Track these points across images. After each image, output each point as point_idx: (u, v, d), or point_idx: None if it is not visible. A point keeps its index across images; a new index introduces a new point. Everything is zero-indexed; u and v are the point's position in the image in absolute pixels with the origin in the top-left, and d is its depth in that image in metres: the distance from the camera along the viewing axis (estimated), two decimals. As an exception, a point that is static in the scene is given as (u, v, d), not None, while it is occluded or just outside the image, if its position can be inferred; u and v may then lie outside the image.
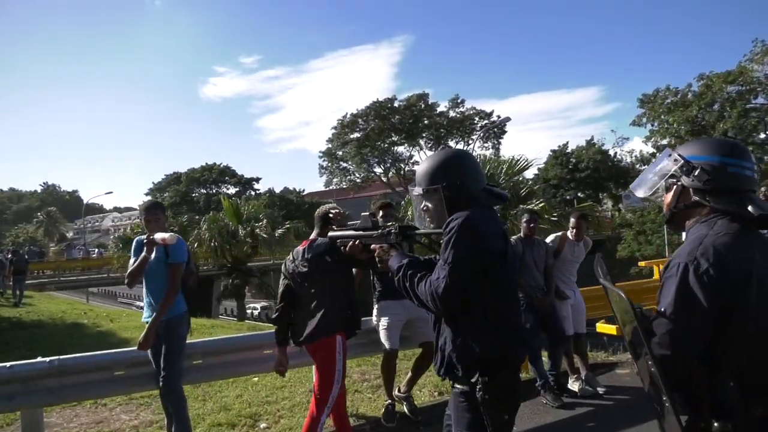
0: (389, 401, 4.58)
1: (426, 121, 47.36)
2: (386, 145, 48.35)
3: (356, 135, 47.50)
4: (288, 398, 5.19)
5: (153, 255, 3.72)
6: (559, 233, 5.46)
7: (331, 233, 2.32)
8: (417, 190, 2.07)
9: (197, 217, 20.31)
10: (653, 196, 2.11)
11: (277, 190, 59.77)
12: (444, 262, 1.86)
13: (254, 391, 5.45)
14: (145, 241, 3.74)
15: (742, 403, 1.52)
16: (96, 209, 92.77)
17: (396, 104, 46.74)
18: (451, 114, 48.02)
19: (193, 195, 58.60)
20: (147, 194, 63.30)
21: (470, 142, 49.02)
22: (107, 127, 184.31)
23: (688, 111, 29.69)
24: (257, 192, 56.62)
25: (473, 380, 1.93)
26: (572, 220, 5.35)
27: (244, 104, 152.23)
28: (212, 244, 16.61)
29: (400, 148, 49.47)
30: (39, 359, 3.92)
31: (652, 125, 32.96)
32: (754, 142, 29.95)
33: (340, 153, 48.69)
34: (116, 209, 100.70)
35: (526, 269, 5.08)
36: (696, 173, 1.65)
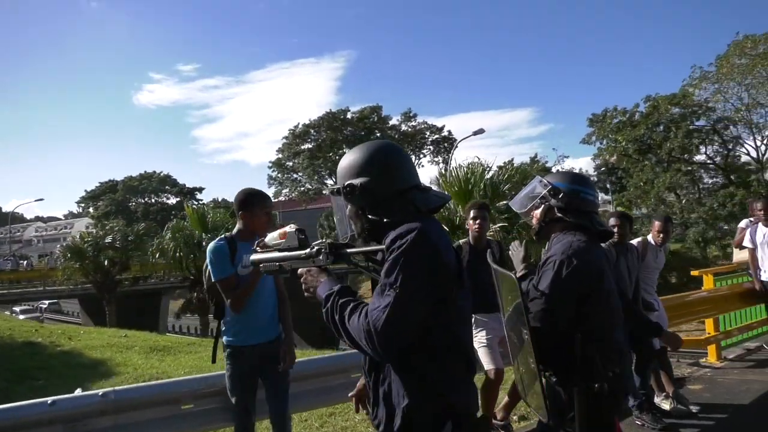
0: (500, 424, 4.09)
1: (378, 134, 47.24)
2: (338, 157, 47.79)
3: (308, 146, 46.77)
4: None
5: None
6: (640, 238, 5.14)
7: (253, 256, 1.84)
8: (330, 188, 1.73)
9: (155, 225, 18.87)
10: (524, 212, 2.46)
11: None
12: (388, 286, 1.42)
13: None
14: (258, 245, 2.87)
15: (602, 365, 2.07)
16: (16, 218, 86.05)
17: (349, 116, 46.43)
18: (403, 127, 48.23)
19: (130, 204, 55.43)
20: (79, 202, 59.56)
21: (421, 156, 49.38)
22: (31, 132, 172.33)
23: (636, 130, 31.01)
24: (200, 202, 54.33)
25: None
26: (657, 223, 5.02)
27: (181, 113, 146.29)
28: (177, 254, 15.37)
29: (352, 161, 49.07)
30: (88, 392, 3.09)
31: (601, 143, 34.27)
32: (695, 162, 31.75)
33: (291, 164, 47.73)
34: (39, 219, 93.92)
35: (621, 279, 4.71)
36: (560, 196, 2.26)
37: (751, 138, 31.01)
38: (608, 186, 37.89)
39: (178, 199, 56.26)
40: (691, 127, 29.87)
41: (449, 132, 48.88)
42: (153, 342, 11.15)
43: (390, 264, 1.44)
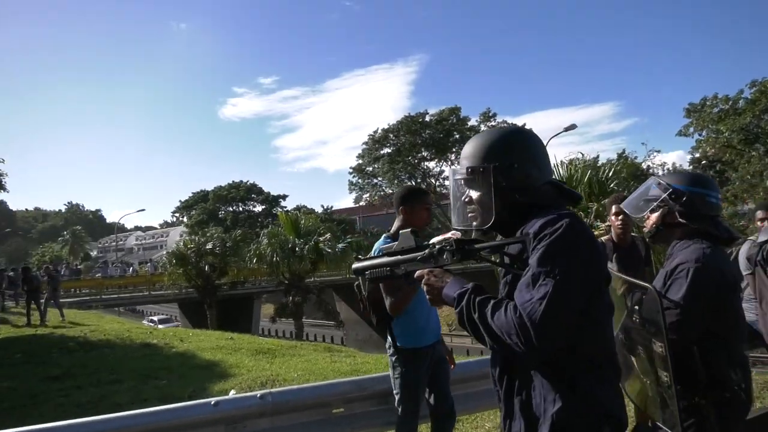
0: None
1: (457, 136, 46.76)
2: (416, 161, 47.83)
3: (387, 150, 47.09)
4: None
5: None
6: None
7: (355, 264, 1.74)
8: (458, 172, 1.58)
9: (255, 230, 19.64)
10: (638, 216, 2.34)
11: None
12: (543, 275, 1.29)
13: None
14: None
15: (729, 373, 1.97)
16: (119, 228, 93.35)
17: (427, 119, 46.29)
18: (482, 128, 47.39)
19: (220, 212, 58.28)
20: (175, 212, 63.42)
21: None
22: (129, 148, 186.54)
23: (741, 118, 28.57)
24: (285, 209, 56.18)
25: None
26: (760, 212, 4.48)
27: (263, 124, 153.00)
28: (274, 259, 15.88)
29: (430, 164, 48.99)
30: (247, 393, 3.15)
31: (700, 134, 31.92)
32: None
33: (371, 169, 48.24)
34: (138, 228, 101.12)
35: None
36: (683, 200, 2.11)
37: None
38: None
39: (264, 206, 58.53)
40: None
41: (530, 130, 47.61)
42: (257, 345, 11.52)
43: (544, 250, 1.31)
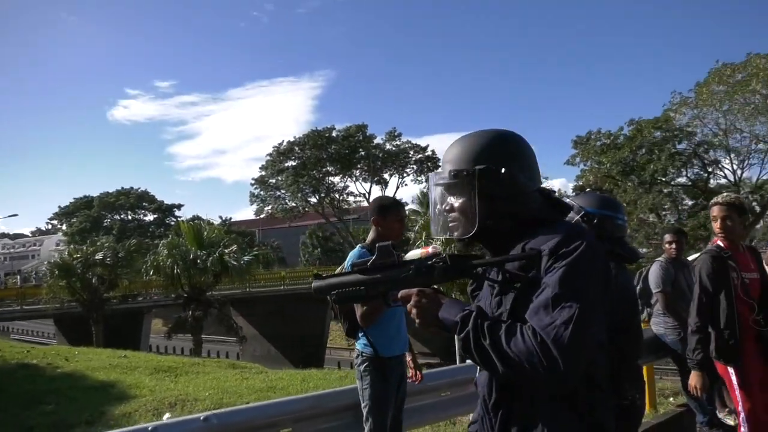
0: None
1: (362, 153, 47.27)
2: (321, 175, 47.64)
3: (292, 163, 46.48)
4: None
5: None
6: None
7: (317, 283, 1.50)
8: (440, 177, 1.44)
9: (146, 240, 18.33)
10: None
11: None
12: (564, 297, 1.17)
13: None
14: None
15: (625, 384, 2.11)
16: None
17: (334, 134, 46.38)
18: (388, 146, 48.31)
19: (106, 221, 54.01)
20: (52, 219, 57.79)
21: (405, 175, 49.55)
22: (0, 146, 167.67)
23: (620, 152, 31.66)
24: (180, 219, 53.34)
25: None
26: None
27: (157, 129, 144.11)
28: (174, 271, 14.91)
29: (335, 179, 49.00)
30: (187, 417, 2.88)
31: (585, 164, 34.84)
32: (678, 184, 32.48)
33: (274, 181, 47.31)
34: (5, 235, 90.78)
35: (681, 295, 4.68)
36: (594, 222, 2.21)
37: (728, 161, 31.94)
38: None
39: (156, 215, 55.12)
40: (673, 150, 30.60)
41: (433, 152, 49.19)
42: (156, 363, 10.71)
43: (566, 270, 1.19)
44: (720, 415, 4.83)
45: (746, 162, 31.61)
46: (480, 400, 1.40)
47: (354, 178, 48.90)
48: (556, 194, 1.48)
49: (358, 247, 3.04)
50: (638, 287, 6.44)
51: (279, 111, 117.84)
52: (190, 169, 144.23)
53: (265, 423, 2.99)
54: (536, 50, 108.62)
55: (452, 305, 1.29)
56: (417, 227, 11.47)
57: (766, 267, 3.90)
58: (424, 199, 60.08)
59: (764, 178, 31.38)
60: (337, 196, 49.33)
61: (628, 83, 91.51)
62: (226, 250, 15.43)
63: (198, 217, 51.45)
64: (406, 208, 57.57)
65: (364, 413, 2.96)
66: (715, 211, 3.27)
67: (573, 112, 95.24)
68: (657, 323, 4.98)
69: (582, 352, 1.16)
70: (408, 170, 49.47)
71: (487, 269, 1.38)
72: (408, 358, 3.23)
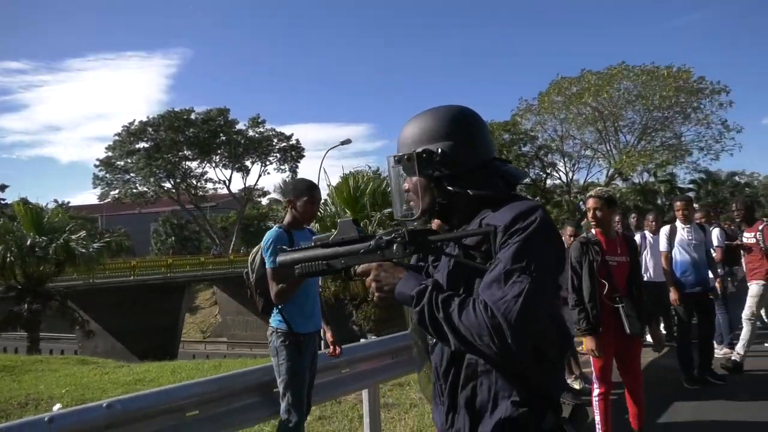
0: None
1: (223, 138, 45.29)
2: (177, 159, 44.77)
3: (144, 144, 43.01)
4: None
5: None
6: None
7: (281, 257, 1.52)
8: (389, 160, 1.47)
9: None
10: None
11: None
12: (517, 272, 1.20)
13: None
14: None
15: None
16: None
17: (193, 116, 43.77)
18: (251, 133, 46.85)
19: None
20: None
21: (267, 163, 48.47)
22: None
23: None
24: (3, 202, 46.55)
25: None
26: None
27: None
28: (7, 259, 13.05)
29: (193, 164, 46.42)
30: (90, 404, 2.65)
31: (443, 161, 37.12)
32: (525, 184, 35.90)
33: (122, 163, 43.42)
34: None
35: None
36: None
37: (563, 164, 36.09)
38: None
39: (-29, 196, 47.49)
40: (518, 152, 33.77)
41: (297, 141, 48.71)
42: (-12, 361, 9.33)
43: (519, 245, 1.22)
44: (568, 381, 5.53)
45: (576, 165, 36.05)
46: (433, 368, 1.43)
47: (214, 164, 46.72)
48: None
49: (275, 227, 3.10)
50: None
51: (127, 88, 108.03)
52: (16, 146, 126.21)
53: (172, 407, 2.85)
54: (399, 46, 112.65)
55: (410, 279, 1.31)
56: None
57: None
58: (284, 188, 59.49)
59: (590, 180, 36.06)
60: (194, 182, 46.75)
61: (485, 87, 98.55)
62: (73, 236, 13.87)
63: (26, 200, 45.58)
64: (268, 197, 56.56)
65: (281, 388, 2.99)
66: (589, 203, 3.79)
67: (409, 112, 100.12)
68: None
69: (532, 326, 1.18)
70: (271, 158, 48.50)
71: (445, 244, 1.38)
72: (328, 333, 3.32)
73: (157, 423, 2.78)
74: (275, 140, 48.26)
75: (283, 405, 2.99)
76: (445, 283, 1.34)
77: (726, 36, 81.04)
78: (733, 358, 6.02)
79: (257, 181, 49.77)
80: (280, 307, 2.99)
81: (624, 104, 32.21)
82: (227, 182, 47.61)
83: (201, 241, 52.95)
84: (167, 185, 44.85)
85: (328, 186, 12.05)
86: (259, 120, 46.87)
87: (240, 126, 46.11)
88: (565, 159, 35.65)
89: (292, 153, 48.86)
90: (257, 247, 3.15)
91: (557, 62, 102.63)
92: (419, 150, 1.37)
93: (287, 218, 3.16)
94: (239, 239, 47.91)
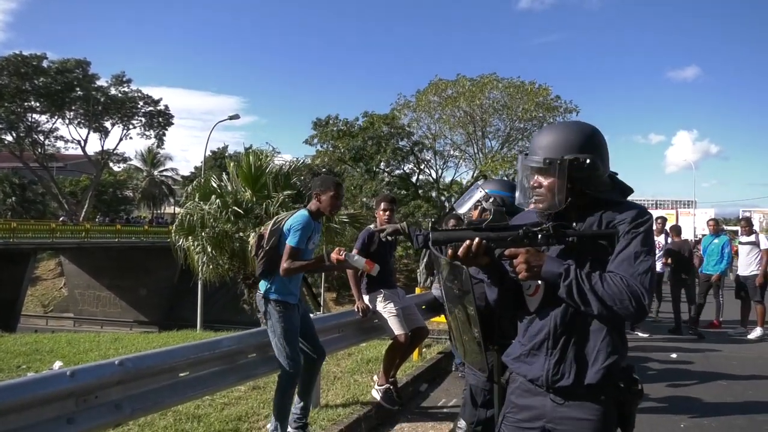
0: (387, 385, 4.79)
1: (80, 92, 40.87)
2: (22, 110, 39.56)
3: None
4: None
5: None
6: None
7: (434, 234, 1.74)
8: (535, 160, 1.73)
9: None
10: (466, 213, 3.13)
11: None
12: (643, 254, 1.66)
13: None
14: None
15: (510, 328, 2.27)
16: None
17: (45, 64, 38.87)
18: (113, 91, 42.85)
19: None
20: None
21: (130, 127, 44.78)
22: None
23: (354, 140, 34.90)
24: None
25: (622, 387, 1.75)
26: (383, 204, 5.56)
27: None
28: None
29: (41, 117, 41.34)
30: (104, 361, 2.83)
31: (321, 146, 37.26)
32: (400, 176, 37.41)
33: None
34: None
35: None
36: (491, 200, 2.90)
37: (434, 161, 38.28)
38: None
39: None
40: (396, 146, 35.16)
41: (166, 106, 45.60)
42: None
43: (643, 236, 1.68)
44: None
45: (445, 164, 38.45)
46: (540, 337, 1.76)
47: (67, 121, 42.07)
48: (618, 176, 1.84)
49: (304, 210, 3.60)
50: (425, 261, 7.76)
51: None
52: None
53: (170, 367, 3.06)
54: (278, 26, 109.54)
55: (552, 262, 1.65)
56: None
57: None
58: (148, 156, 55.14)
59: (457, 179, 38.75)
60: (41, 138, 41.70)
61: (368, 78, 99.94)
62: None
63: None
64: (129, 163, 52.26)
65: (280, 345, 3.47)
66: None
67: (316, 95, 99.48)
68: (437, 287, 6.26)
69: (653, 293, 1.65)
70: (135, 122, 44.87)
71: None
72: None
73: (155, 381, 2.97)
74: (141, 103, 44.71)
75: (281, 359, 3.48)
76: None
77: (578, 57, 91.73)
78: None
79: (117, 144, 45.91)
80: (273, 279, 3.50)
81: (492, 112, 35.04)
82: (82, 142, 43.23)
83: (46, 205, 47.52)
84: (8, 138, 39.56)
85: (227, 161, 11.68)
86: (124, 78, 43.04)
87: (101, 83, 42.01)
88: (437, 157, 37.91)
89: (160, 119, 45.68)
90: (276, 218, 3.64)
91: (436, 65, 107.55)
92: (570, 157, 1.68)
93: (312, 206, 3.63)
94: (92, 207, 43.85)
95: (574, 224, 1.74)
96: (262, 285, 3.57)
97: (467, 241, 1.65)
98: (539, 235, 1.67)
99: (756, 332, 8.57)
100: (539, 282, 1.71)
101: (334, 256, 3.51)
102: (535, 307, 1.77)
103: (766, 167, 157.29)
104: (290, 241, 3.41)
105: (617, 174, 1.80)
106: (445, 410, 4.98)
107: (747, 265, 8.79)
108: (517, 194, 1.88)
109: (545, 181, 1.72)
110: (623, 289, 1.59)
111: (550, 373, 1.73)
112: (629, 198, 1.82)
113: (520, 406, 1.82)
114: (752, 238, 8.68)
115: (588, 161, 1.68)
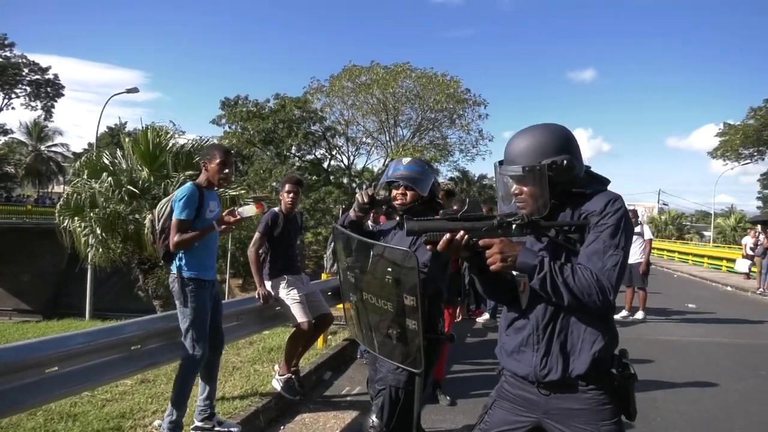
0: (289, 374, 4.62)
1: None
2: None
3: None
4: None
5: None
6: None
7: (411, 225, 1.73)
8: (513, 169, 1.75)
9: None
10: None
11: None
12: (613, 247, 1.65)
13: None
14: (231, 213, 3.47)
15: (438, 320, 2.79)
16: None
17: None
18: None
19: None
20: None
21: (13, 96, 40.59)
22: None
23: (265, 122, 33.86)
24: None
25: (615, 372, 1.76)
26: (288, 185, 4.77)
27: None
28: None
29: None
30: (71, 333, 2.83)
31: (230, 127, 35.84)
32: (311, 161, 36.81)
33: None
34: None
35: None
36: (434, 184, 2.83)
37: (346, 148, 38.12)
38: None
39: None
40: (307, 130, 34.55)
41: (55, 75, 41.79)
42: None
43: (613, 227, 1.67)
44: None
45: (357, 151, 38.40)
46: (529, 326, 1.78)
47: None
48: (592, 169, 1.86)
49: (190, 183, 3.39)
50: (331, 247, 7.55)
51: None
52: None
53: (34, 362, 2.68)
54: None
55: (527, 252, 1.65)
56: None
57: None
58: (34, 129, 50.23)
59: (368, 166, 38.84)
60: None
61: (281, 60, 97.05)
62: None
63: None
64: (10, 136, 47.45)
65: (185, 326, 3.33)
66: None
67: (226, 74, 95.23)
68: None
69: (619, 286, 1.66)
70: (19, 90, 40.73)
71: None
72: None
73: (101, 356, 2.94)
74: (26, 70, 40.66)
75: (187, 342, 3.32)
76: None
77: (488, 53, 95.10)
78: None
79: (-3, 115, 41.47)
80: (182, 255, 3.35)
81: (405, 101, 35.38)
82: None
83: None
84: None
85: (122, 137, 10.82)
86: (6, 42, 38.88)
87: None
88: (349, 143, 37.75)
89: (48, 89, 41.80)
90: (166, 198, 3.50)
91: (351, 51, 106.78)
92: (548, 161, 1.69)
93: (201, 178, 3.46)
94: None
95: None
96: (174, 265, 3.40)
97: (448, 235, 1.66)
98: (513, 225, 1.69)
99: (638, 315, 9.29)
100: (526, 278, 1.69)
101: (226, 217, 3.42)
102: (526, 304, 1.77)
103: (650, 164, 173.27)
104: (175, 215, 3.29)
105: (590, 167, 1.83)
106: (348, 398, 4.88)
107: (632, 254, 9.46)
108: (498, 202, 1.88)
109: (526, 188, 1.73)
110: (592, 283, 1.62)
111: (537, 369, 1.75)
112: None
113: (514, 395, 1.85)
114: (638, 228, 9.34)
115: (565, 162, 1.70)
